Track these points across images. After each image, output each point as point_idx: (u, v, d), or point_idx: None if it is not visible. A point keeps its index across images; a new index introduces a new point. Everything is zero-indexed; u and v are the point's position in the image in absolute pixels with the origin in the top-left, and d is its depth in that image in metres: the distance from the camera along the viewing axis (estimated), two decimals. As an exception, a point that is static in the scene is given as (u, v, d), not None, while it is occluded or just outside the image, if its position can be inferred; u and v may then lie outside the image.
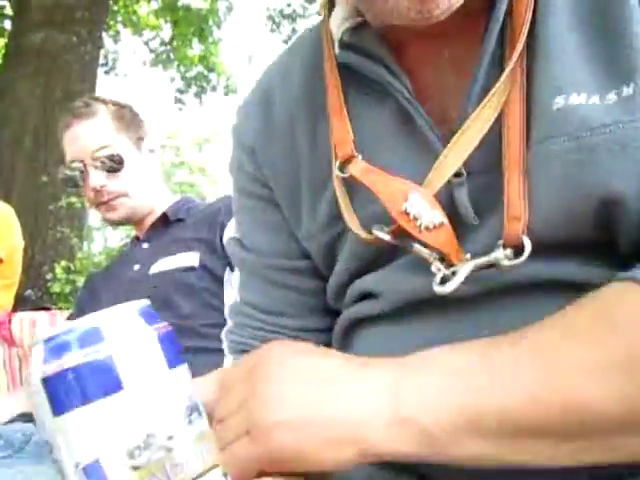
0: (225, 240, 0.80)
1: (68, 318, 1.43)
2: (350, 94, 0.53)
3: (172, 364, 0.28)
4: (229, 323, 0.66)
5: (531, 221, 0.44)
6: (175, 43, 8.69)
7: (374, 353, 0.44)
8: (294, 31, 9.81)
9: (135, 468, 0.24)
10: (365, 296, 0.55)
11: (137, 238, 1.41)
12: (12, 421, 1.04)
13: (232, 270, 1.14)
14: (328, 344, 0.61)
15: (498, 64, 0.46)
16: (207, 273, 1.13)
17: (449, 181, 0.46)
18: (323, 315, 0.62)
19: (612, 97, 0.43)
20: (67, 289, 3.57)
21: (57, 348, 0.25)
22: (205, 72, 9.56)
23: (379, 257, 0.53)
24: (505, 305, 0.46)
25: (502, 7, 0.45)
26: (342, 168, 0.51)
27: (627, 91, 0.42)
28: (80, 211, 4.34)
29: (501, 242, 0.45)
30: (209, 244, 1.19)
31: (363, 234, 0.50)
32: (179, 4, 8.07)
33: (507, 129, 0.45)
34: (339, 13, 0.52)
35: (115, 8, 7.58)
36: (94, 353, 0.25)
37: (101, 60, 6.42)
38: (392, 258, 0.52)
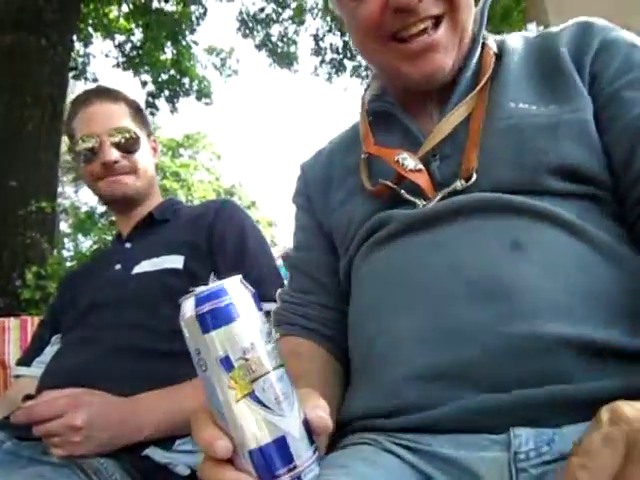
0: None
1: (40, 324, 1.39)
2: (374, 126, 0.83)
3: (259, 309, 0.48)
4: (278, 304, 0.88)
5: (480, 167, 0.68)
6: (147, 47, 8.61)
7: (385, 264, 0.71)
8: (267, 36, 9.81)
9: (245, 360, 0.44)
10: (374, 230, 0.75)
11: (119, 237, 1.38)
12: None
13: (216, 275, 1.13)
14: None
15: (468, 93, 0.73)
16: (190, 277, 1.12)
17: (428, 159, 0.73)
18: (336, 295, 0.84)
19: (552, 107, 0.69)
20: (37, 295, 3.49)
21: (203, 298, 0.45)
22: (177, 76, 9.49)
23: (381, 207, 0.75)
24: (468, 220, 0.65)
25: (474, 58, 0.76)
26: (365, 155, 0.80)
27: (563, 107, 0.68)
28: (50, 216, 4.25)
29: (460, 178, 0.69)
30: (195, 247, 1.17)
31: (370, 186, 0.77)
32: (151, 7, 7.99)
33: (473, 121, 0.71)
34: (370, 90, 0.87)
35: (86, 11, 7.46)
36: (224, 301, 0.45)
37: (71, 64, 6.31)
38: (389, 206, 0.74)
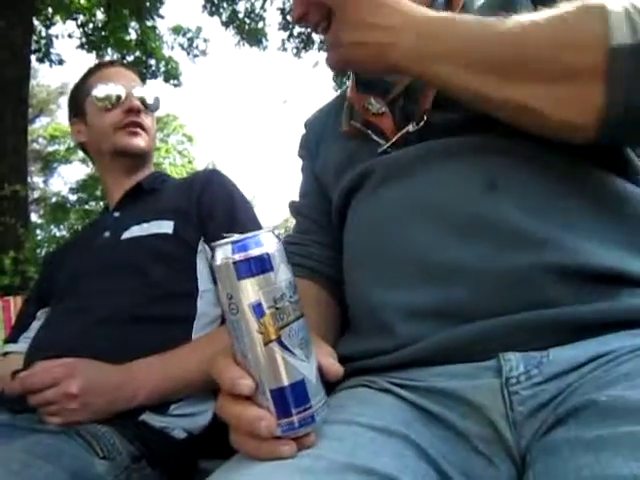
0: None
1: (25, 301, 1.38)
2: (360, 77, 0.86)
3: (289, 262, 0.50)
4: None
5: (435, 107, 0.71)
6: (110, 27, 8.39)
7: (369, 214, 0.74)
8: (234, 13, 9.64)
9: (275, 308, 0.47)
10: (356, 181, 0.78)
11: (106, 209, 1.37)
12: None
13: (206, 242, 1.14)
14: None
15: None
16: (180, 242, 1.12)
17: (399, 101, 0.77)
18: (335, 235, 0.87)
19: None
20: (16, 281, 3.44)
21: (240, 247, 0.47)
22: (143, 57, 9.30)
23: (353, 148, 0.81)
24: (444, 164, 0.68)
25: None
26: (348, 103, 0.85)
27: None
28: (23, 201, 4.15)
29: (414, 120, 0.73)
30: (184, 214, 1.17)
31: (346, 127, 0.82)
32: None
33: None
34: None
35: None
36: (260, 251, 0.47)
37: (33, 46, 6.12)
38: (360, 148, 0.79)
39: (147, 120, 1.30)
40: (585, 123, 0.56)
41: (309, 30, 0.76)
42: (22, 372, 0.92)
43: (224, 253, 0.47)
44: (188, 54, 10.71)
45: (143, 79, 1.42)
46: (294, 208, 0.98)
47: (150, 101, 1.32)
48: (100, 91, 1.27)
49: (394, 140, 0.74)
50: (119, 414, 0.92)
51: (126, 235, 1.16)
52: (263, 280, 0.47)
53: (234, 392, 0.48)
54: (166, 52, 9.91)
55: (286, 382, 0.47)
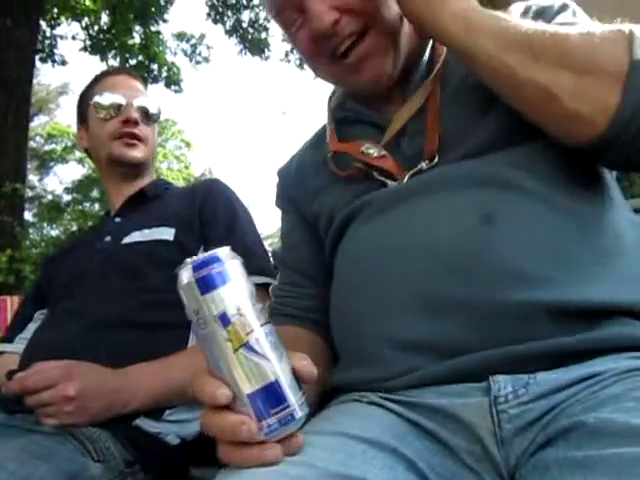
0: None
1: (22, 302, 1.39)
2: (341, 126, 0.87)
3: (247, 275, 0.53)
4: (272, 298, 0.94)
5: (442, 144, 0.73)
6: (115, 30, 8.43)
7: (362, 245, 0.74)
8: (238, 21, 9.71)
9: (240, 315, 0.50)
10: (353, 214, 0.79)
11: (107, 214, 1.39)
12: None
13: (206, 247, 1.15)
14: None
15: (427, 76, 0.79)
16: (181, 249, 1.13)
17: (397, 140, 0.78)
18: (327, 285, 0.84)
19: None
20: (10, 279, 3.42)
21: (199, 265, 0.50)
22: (146, 62, 9.33)
23: (357, 190, 0.80)
24: (438, 196, 0.69)
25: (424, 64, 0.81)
26: (331, 153, 0.85)
27: None
28: (20, 200, 4.13)
29: (424, 158, 0.74)
30: (185, 221, 1.19)
31: (341, 172, 0.82)
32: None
33: (431, 102, 0.76)
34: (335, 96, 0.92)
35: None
36: (218, 266, 0.51)
37: (38, 46, 6.13)
38: (365, 189, 0.79)
39: (146, 131, 1.31)
40: (596, 119, 0.60)
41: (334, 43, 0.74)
42: (19, 372, 0.93)
43: (187, 273, 0.51)
44: (190, 60, 10.77)
45: (145, 83, 1.44)
46: (280, 260, 0.96)
47: (152, 111, 1.34)
48: (101, 100, 1.30)
49: (407, 178, 0.74)
50: (114, 418, 0.93)
51: (127, 240, 1.18)
52: (225, 292, 0.50)
53: (214, 404, 0.49)
54: (169, 58, 9.95)
55: (259, 385, 0.49)
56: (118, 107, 1.28)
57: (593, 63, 0.61)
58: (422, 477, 0.56)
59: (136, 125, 1.28)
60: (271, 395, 0.49)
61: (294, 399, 0.50)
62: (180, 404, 1.01)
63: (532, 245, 0.62)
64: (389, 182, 0.76)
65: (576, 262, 0.62)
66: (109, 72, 1.41)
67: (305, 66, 0.88)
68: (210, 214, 1.20)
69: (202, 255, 0.51)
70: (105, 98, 1.29)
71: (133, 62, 9.07)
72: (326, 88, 0.95)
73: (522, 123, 0.68)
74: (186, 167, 20.58)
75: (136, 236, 1.18)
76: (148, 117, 1.32)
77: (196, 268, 0.50)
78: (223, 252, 0.52)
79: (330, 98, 0.93)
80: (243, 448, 0.50)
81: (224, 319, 0.49)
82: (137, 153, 1.29)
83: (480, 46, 0.65)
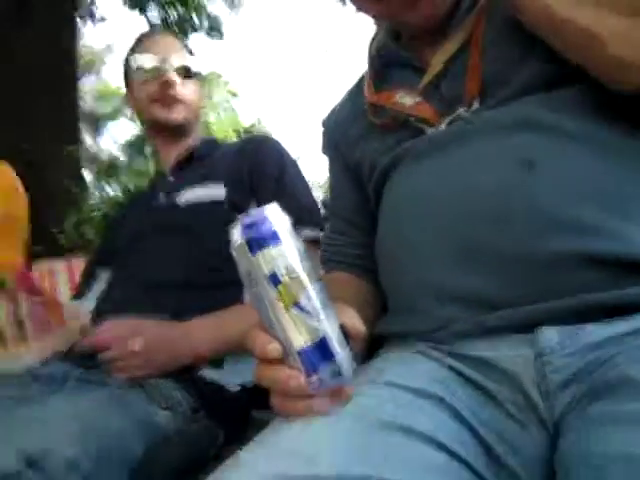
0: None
1: (88, 262, 1.47)
2: (382, 72, 0.86)
3: (296, 233, 0.53)
4: (322, 247, 0.99)
5: (484, 87, 0.70)
6: (153, -17, 8.32)
7: (404, 193, 0.75)
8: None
9: (289, 276, 0.50)
10: (393, 161, 0.78)
11: (159, 174, 1.43)
12: (47, 362, 1.11)
13: (258, 203, 1.18)
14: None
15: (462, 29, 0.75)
16: (232, 207, 1.16)
17: (436, 83, 0.76)
18: (372, 233, 0.86)
19: None
20: (76, 242, 3.56)
21: (249, 225, 0.51)
22: (187, 14, 9.20)
23: (396, 138, 0.79)
24: (479, 141, 0.68)
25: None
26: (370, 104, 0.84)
27: None
28: (77, 161, 4.24)
29: (463, 104, 0.72)
30: (236, 179, 1.21)
31: (378, 121, 0.81)
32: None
33: (472, 44, 0.73)
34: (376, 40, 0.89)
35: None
36: (267, 226, 0.51)
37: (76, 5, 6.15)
38: (403, 137, 0.78)
39: (186, 90, 1.31)
40: (639, 63, 0.58)
41: None
42: (90, 330, 1.00)
43: (237, 234, 0.52)
44: (229, 6, 10.55)
45: (186, 34, 1.43)
46: (328, 208, 1.00)
47: (193, 68, 1.33)
48: (138, 62, 1.31)
49: (445, 125, 0.73)
50: (179, 369, 0.99)
51: (180, 199, 1.22)
52: (275, 252, 0.51)
53: (266, 357, 0.52)
54: (208, 7, 9.78)
55: (309, 342, 0.51)
56: (156, 69, 1.29)
57: (637, 6, 0.57)
58: (467, 424, 0.58)
59: (174, 86, 1.28)
60: (320, 351, 0.51)
61: (342, 355, 0.52)
62: (239, 354, 1.06)
63: (575, 191, 0.61)
64: (427, 128, 0.75)
65: (625, 208, 0.60)
66: (145, 34, 1.42)
67: (346, 1, 0.86)
68: (260, 170, 1.22)
69: (251, 214, 0.52)
70: (142, 60, 1.30)
71: (174, 14, 8.97)
72: (367, 24, 0.95)
73: (566, 64, 0.65)
74: (235, 118, 20.57)
75: (188, 195, 1.22)
76: (188, 75, 1.32)
77: (246, 228, 0.51)
78: (271, 210, 0.53)
79: (371, 42, 0.91)
80: (293, 399, 0.52)
81: (274, 279, 0.50)
82: (177, 114, 1.30)
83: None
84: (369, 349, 0.75)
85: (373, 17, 0.84)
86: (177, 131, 1.35)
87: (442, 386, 0.60)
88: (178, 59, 1.31)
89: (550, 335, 0.58)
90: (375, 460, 0.49)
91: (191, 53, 1.39)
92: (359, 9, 0.80)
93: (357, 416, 0.53)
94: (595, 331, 0.57)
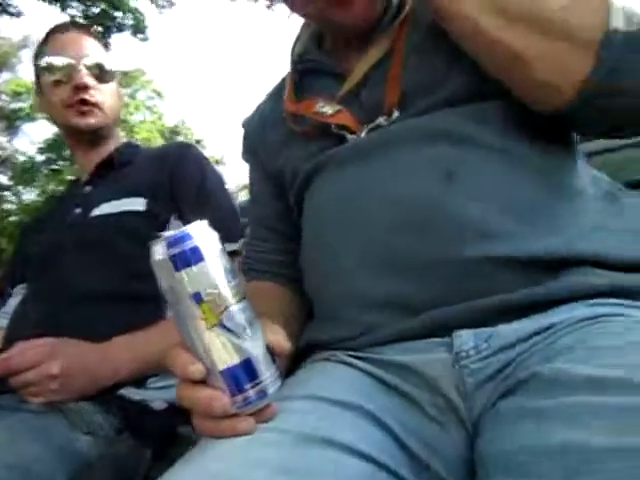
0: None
1: (0, 278, 1.39)
2: (304, 77, 0.86)
3: (223, 249, 0.53)
4: (243, 253, 0.97)
5: (404, 96, 0.72)
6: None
7: (328, 189, 0.75)
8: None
9: (213, 294, 0.50)
10: (314, 169, 0.78)
11: (77, 182, 1.36)
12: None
13: (179, 217, 1.15)
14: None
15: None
16: (153, 218, 1.13)
17: (356, 91, 0.76)
18: (294, 240, 0.87)
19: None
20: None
21: (174, 241, 0.50)
22: (110, 10, 8.90)
23: (317, 146, 0.79)
24: (400, 151, 0.69)
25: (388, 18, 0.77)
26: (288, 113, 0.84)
27: None
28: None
29: (382, 113, 0.73)
30: (156, 190, 1.17)
31: (299, 129, 0.81)
32: None
33: (394, 54, 0.74)
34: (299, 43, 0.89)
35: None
36: (192, 243, 0.50)
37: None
38: (325, 145, 0.78)
39: (102, 93, 1.24)
40: (564, 87, 0.61)
41: None
42: (2, 353, 0.94)
43: (160, 249, 0.51)
44: (156, 5, 10.29)
45: (109, 32, 1.38)
46: (249, 215, 0.97)
47: (108, 68, 1.25)
48: (48, 63, 1.21)
49: (365, 133, 0.74)
50: (100, 390, 0.95)
51: (96, 212, 1.17)
52: (198, 270, 0.50)
53: (187, 378, 0.51)
54: (132, 3, 9.49)
55: (233, 362, 0.51)
56: (68, 71, 1.20)
57: (566, 30, 0.60)
58: (389, 432, 0.59)
59: (88, 90, 1.21)
60: (245, 371, 0.51)
61: (267, 375, 0.52)
62: (163, 372, 1.04)
63: (491, 200, 0.63)
64: (348, 136, 0.76)
65: (535, 216, 0.63)
66: (57, 29, 1.29)
67: (274, 7, 0.86)
68: (181, 182, 1.18)
69: (177, 230, 0.51)
70: (53, 61, 1.21)
71: (96, 10, 8.64)
72: (292, 29, 0.92)
73: (489, 78, 0.67)
74: (159, 118, 20.06)
75: (106, 208, 1.16)
76: (103, 76, 1.24)
77: (170, 244, 0.50)
78: (198, 228, 0.52)
79: (293, 45, 0.91)
80: (216, 420, 0.52)
81: (198, 297, 0.50)
82: (92, 120, 1.23)
83: (456, 5, 0.63)
84: (295, 357, 0.75)
85: (303, 16, 0.83)
86: (95, 137, 1.28)
87: (364, 395, 0.61)
88: (92, 58, 1.23)
89: (466, 339, 0.60)
90: (297, 475, 0.49)
91: (107, 48, 1.31)
92: (292, 9, 0.79)
93: (280, 432, 0.53)
94: (507, 333, 0.59)
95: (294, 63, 0.88)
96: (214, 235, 0.53)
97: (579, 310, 0.59)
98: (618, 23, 0.58)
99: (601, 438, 0.42)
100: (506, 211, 0.63)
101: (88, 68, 1.22)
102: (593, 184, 0.70)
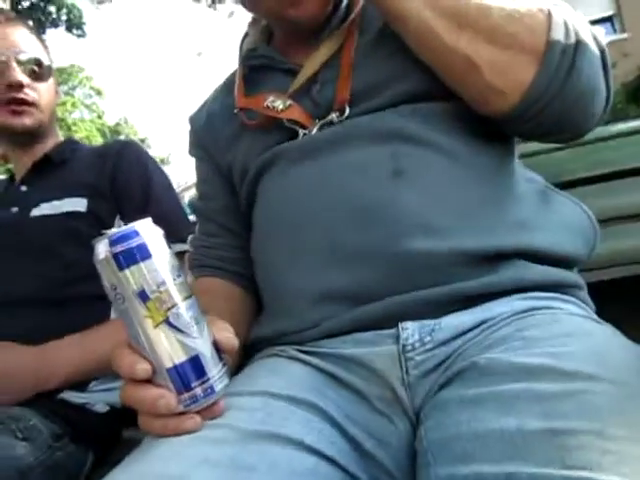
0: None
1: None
2: (253, 74, 0.86)
3: (169, 247, 0.53)
4: (190, 249, 0.94)
5: (354, 95, 0.74)
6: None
7: (276, 197, 0.76)
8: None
9: (159, 292, 0.49)
10: (265, 164, 0.79)
11: (12, 180, 1.28)
12: None
13: (122, 217, 1.12)
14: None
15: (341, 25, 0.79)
16: (95, 220, 1.09)
17: (307, 87, 0.78)
18: (244, 236, 0.87)
19: None
20: None
21: (117, 239, 0.49)
22: (41, 3, 8.57)
23: (269, 139, 0.80)
24: (350, 149, 0.71)
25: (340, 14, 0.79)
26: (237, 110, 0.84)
27: None
28: None
29: (335, 110, 0.75)
30: (98, 190, 1.13)
31: (250, 122, 0.81)
32: None
33: (344, 52, 0.76)
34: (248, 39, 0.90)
35: None
36: (136, 241, 0.50)
37: None
38: (277, 139, 0.79)
39: (37, 90, 1.18)
40: (509, 92, 0.65)
41: None
42: None
43: (103, 247, 0.50)
44: (91, 1, 9.98)
45: (43, 27, 1.31)
46: (197, 210, 0.95)
47: (44, 63, 1.19)
48: None
49: (316, 129, 0.75)
50: (38, 394, 0.92)
51: (35, 212, 1.11)
52: (143, 267, 0.49)
53: (133, 378, 0.50)
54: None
55: (180, 360, 0.50)
56: None
57: (513, 39, 0.64)
58: (337, 426, 0.60)
59: (21, 88, 1.14)
60: (191, 369, 0.51)
61: (214, 372, 0.52)
62: (106, 375, 1.01)
63: (436, 198, 0.66)
64: (300, 131, 0.77)
65: (474, 213, 0.66)
66: None
67: (217, 6, 0.85)
68: (123, 181, 1.15)
69: (120, 228, 0.50)
70: None
71: (26, 4, 8.29)
72: (241, 28, 0.92)
73: (436, 81, 0.70)
74: (99, 117, 19.45)
75: (45, 208, 1.11)
76: (38, 73, 1.18)
77: (114, 242, 0.49)
78: (143, 225, 0.51)
79: (242, 42, 0.91)
80: (162, 419, 0.51)
81: (143, 295, 0.49)
82: (27, 120, 1.16)
83: (408, 7, 0.66)
84: (244, 354, 0.75)
85: (255, 13, 0.84)
86: (31, 137, 1.22)
87: (314, 391, 0.62)
88: (26, 53, 1.16)
89: (411, 331, 0.62)
90: (244, 472, 0.50)
91: (43, 43, 1.24)
92: (244, 5, 0.80)
93: (228, 428, 0.53)
94: (450, 326, 0.62)
95: (243, 58, 0.88)
96: (159, 232, 0.53)
97: (514, 304, 0.63)
98: (558, 34, 0.63)
99: (534, 422, 0.45)
100: (448, 208, 0.66)
101: (22, 64, 1.15)
102: (528, 183, 0.74)
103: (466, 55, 0.65)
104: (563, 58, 0.63)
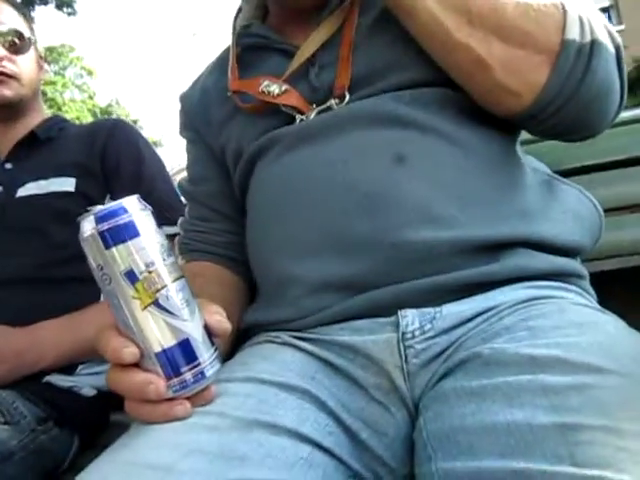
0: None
1: None
2: (247, 53, 0.83)
3: (159, 226, 0.50)
4: (180, 233, 0.91)
5: (354, 79, 0.71)
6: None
7: (274, 181, 0.73)
8: None
9: (148, 272, 0.47)
10: (262, 149, 0.76)
11: None
12: None
13: (112, 197, 1.08)
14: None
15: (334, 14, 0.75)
16: (84, 200, 1.05)
17: (304, 70, 0.74)
18: (237, 220, 0.85)
19: None
20: None
21: (103, 216, 0.47)
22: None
23: (265, 123, 0.77)
24: (352, 133, 0.68)
25: None
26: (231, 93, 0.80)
27: None
28: None
29: (334, 95, 0.72)
30: (87, 169, 1.10)
31: (245, 105, 0.78)
32: None
33: (345, 35, 0.73)
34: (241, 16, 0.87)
35: None
36: (124, 218, 0.47)
37: None
38: (273, 123, 0.76)
39: (18, 63, 1.15)
40: (522, 94, 0.63)
41: None
42: None
43: (89, 225, 0.47)
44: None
45: (32, 4, 1.28)
46: (187, 194, 0.92)
47: (25, 35, 1.16)
48: None
49: (314, 114, 0.72)
50: (23, 377, 0.90)
51: (22, 192, 1.08)
52: (131, 246, 0.47)
53: (119, 362, 0.48)
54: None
55: (169, 343, 0.48)
56: None
57: (526, 38, 0.61)
58: (332, 414, 0.59)
59: (2, 61, 1.11)
60: (181, 353, 0.48)
61: (205, 356, 0.50)
62: (95, 358, 0.99)
63: (439, 186, 0.64)
64: (297, 116, 0.74)
65: (478, 202, 0.64)
66: None
67: None
68: (114, 160, 1.11)
69: (107, 205, 0.47)
70: None
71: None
72: (234, 8, 0.87)
73: (439, 68, 0.68)
74: (90, 97, 19.22)
75: (32, 188, 1.08)
76: (18, 45, 1.15)
77: (100, 219, 0.47)
78: (130, 202, 0.49)
79: (235, 19, 0.87)
80: (151, 405, 0.49)
81: (131, 276, 0.47)
82: (7, 91, 1.13)
83: (421, 2, 0.63)
84: (237, 339, 0.73)
85: None
86: (11, 110, 1.18)
87: (308, 378, 0.60)
88: (4, 24, 1.13)
89: (411, 319, 0.60)
90: (236, 461, 0.48)
91: (25, 17, 1.21)
92: None
93: (219, 415, 0.52)
94: (451, 314, 0.60)
95: (237, 36, 0.84)
96: (148, 210, 0.50)
97: (518, 292, 0.61)
98: (574, 34, 0.61)
99: (542, 416, 0.44)
100: (452, 196, 0.64)
101: (1, 36, 1.12)
102: (532, 172, 0.71)
103: (477, 53, 0.62)
104: (578, 59, 0.61)
